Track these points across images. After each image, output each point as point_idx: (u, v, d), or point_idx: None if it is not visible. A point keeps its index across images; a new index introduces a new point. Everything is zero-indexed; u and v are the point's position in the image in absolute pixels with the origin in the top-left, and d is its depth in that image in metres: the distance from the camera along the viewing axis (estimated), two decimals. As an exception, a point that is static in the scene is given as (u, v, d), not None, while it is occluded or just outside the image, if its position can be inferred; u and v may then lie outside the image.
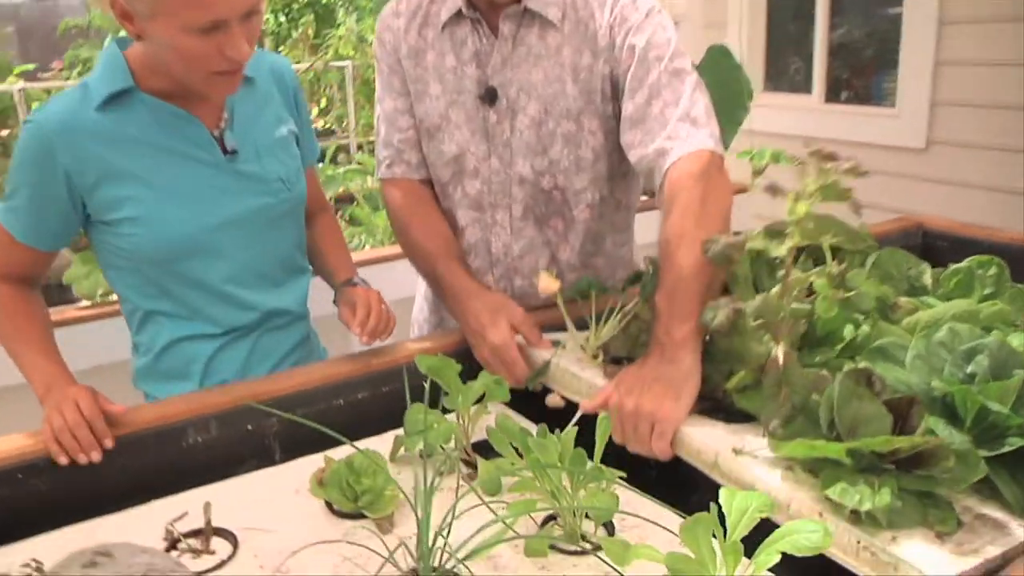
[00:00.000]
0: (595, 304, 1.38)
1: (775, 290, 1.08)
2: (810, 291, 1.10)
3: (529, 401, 1.36)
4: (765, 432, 1.07)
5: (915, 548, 0.89)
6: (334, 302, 1.56)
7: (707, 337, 1.21)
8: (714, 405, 1.19)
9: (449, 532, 0.92)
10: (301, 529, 1.11)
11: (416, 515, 0.93)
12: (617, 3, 1.49)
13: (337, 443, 1.10)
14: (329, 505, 1.15)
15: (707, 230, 1.24)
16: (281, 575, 1.02)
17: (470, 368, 1.32)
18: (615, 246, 1.72)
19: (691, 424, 1.15)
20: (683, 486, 1.13)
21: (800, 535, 0.78)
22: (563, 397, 1.35)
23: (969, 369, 1.01)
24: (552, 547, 1.01)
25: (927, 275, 1.35)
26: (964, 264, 1.32)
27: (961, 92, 3.56)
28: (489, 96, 1.55)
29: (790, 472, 1.01)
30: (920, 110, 3.70)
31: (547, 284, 1.37)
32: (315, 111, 7.33)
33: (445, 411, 1.23)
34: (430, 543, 0.92)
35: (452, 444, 1.23)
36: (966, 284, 1.30)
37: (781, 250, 1.05)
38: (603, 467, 0.99)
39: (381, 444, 1.23)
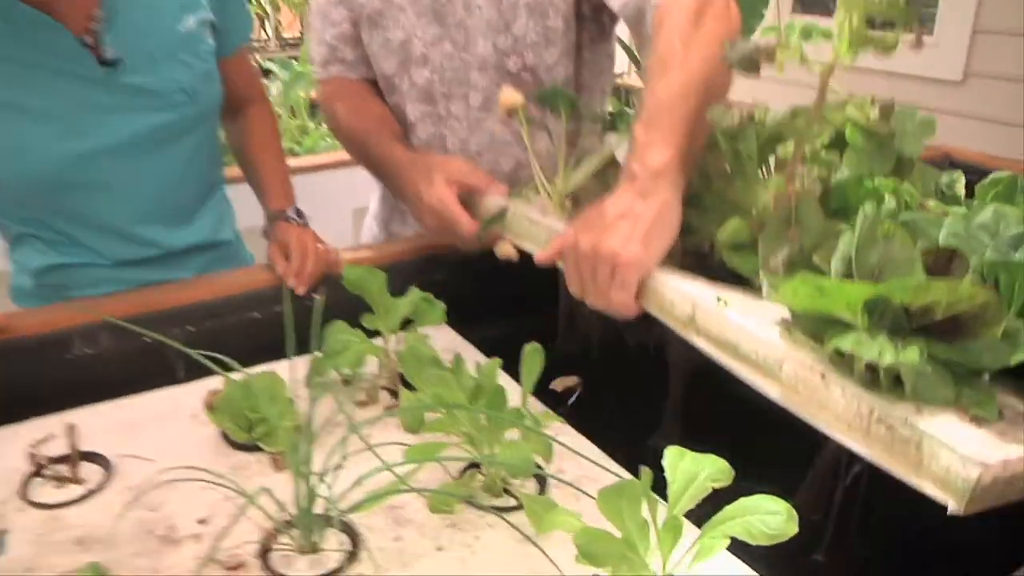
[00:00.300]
0: (566, 135, 1.16)
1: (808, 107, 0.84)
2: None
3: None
4: (763, 277, 0.83)
5: (946, 424, 0.65)
6: (264, 234, 1.32)
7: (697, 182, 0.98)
8: (697, 262, 0.94)
9: (335, 476, 0.76)
10: (186, 459, 0.94)
11: (301, 451, 0.76)
12: None
13: (250, 360, 0.93)
14: (225, 434, 0.98)
15: (700, 53, 1.00)
16: (140, 512, 0.85)
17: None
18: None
19: (663, 274, 0.92)
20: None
21: (755, 517, 0.59)
22: (516, 247, 1.14)
23: (1016, 256, 0.76)
24: (470, 501, 0.84)
25: (960, 183, 1.09)
26: (1006, 174, 1.06)
27: (1004, 20, 3.29)
28: None
29: (787, 333, 0.77)
30: (960, 39, 3.43)
31: (509, 97, 1.15)
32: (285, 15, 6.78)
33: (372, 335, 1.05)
34: (316, 488, 0.75)
35: (377, 371, 1.06)
36: (1007, 196, 1.04)
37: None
38: (526, 410, 0.80)
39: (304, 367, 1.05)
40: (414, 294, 1.02)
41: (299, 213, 1.30)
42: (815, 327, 0.73)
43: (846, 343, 0.67)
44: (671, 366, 1.12)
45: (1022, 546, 0.98)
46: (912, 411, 0.66)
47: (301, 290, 1.18)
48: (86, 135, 1.17)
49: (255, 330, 1.18)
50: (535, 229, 1.11)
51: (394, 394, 1.04)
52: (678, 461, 0.67)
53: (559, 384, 1.09)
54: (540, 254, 1.03)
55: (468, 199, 1.21)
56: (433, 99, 1.39)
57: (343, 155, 2.45)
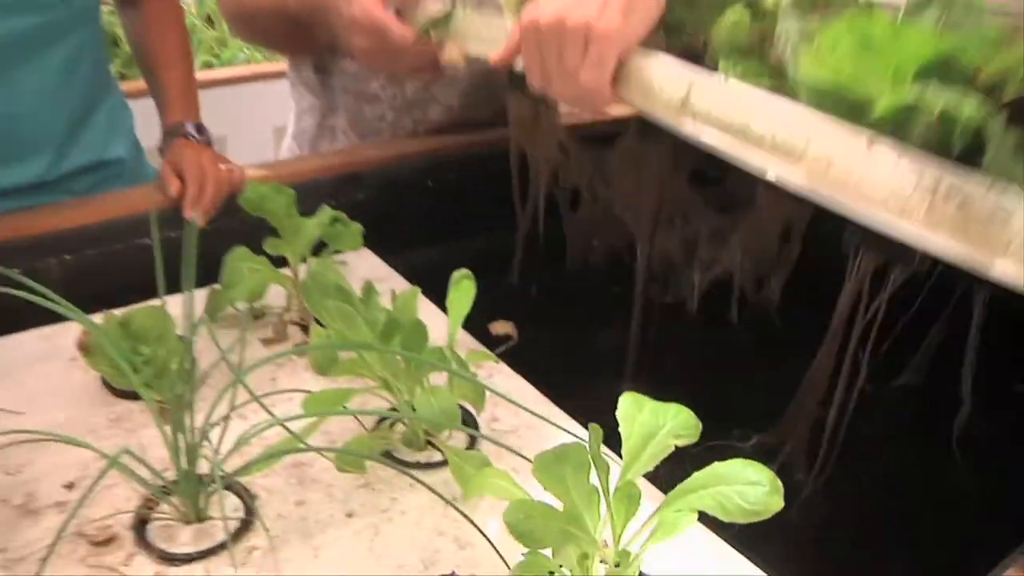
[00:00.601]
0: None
1: None
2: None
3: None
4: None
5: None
6: (160, 150, 1.14)
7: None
8: (686, 58, 0.75)
9: (225, 430, 0.63)
10: (60, 410, 0.80)
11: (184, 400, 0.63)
12: None
13: (143, 294, 0.79)
14: (106, 380, 0.84)
15: None
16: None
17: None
18: None
19: (646, 54, 0.75)
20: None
21: (731, 487, 0.47)
22: (464, 54, 0.96)
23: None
24: (389, 454, 0.71)
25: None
26: None
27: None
28: None
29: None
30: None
31: None
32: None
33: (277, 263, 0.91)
34: (200, 445, 0.62)
35: (284, 303, 0.92)
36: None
37: None
38: (450, 351, 0.67)
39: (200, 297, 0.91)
40: (325, 213, 0.88)
41: (200, 129, 1.13)
42: (845, 107, 0.58)
43: (910, 94, 0.52)
44: (638, 300, 0.99)
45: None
46: (990, 185, 0.51)
47: (201, 221, 1.02)
48: None
49: (145, 259, 1.02)
50: (489, 28, 0.91)
51: (306, 330, 0.90)
52: (635, 412, 0.55)
53: (497, 327, 0.96)
54: (496, 54, 0.85)
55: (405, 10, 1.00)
56: None
57: (263, 67, 2.27)
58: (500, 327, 0.97)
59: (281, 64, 1.88)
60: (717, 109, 0.66)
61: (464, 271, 0.72)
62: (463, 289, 0.71)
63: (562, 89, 0.78)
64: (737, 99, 0.65)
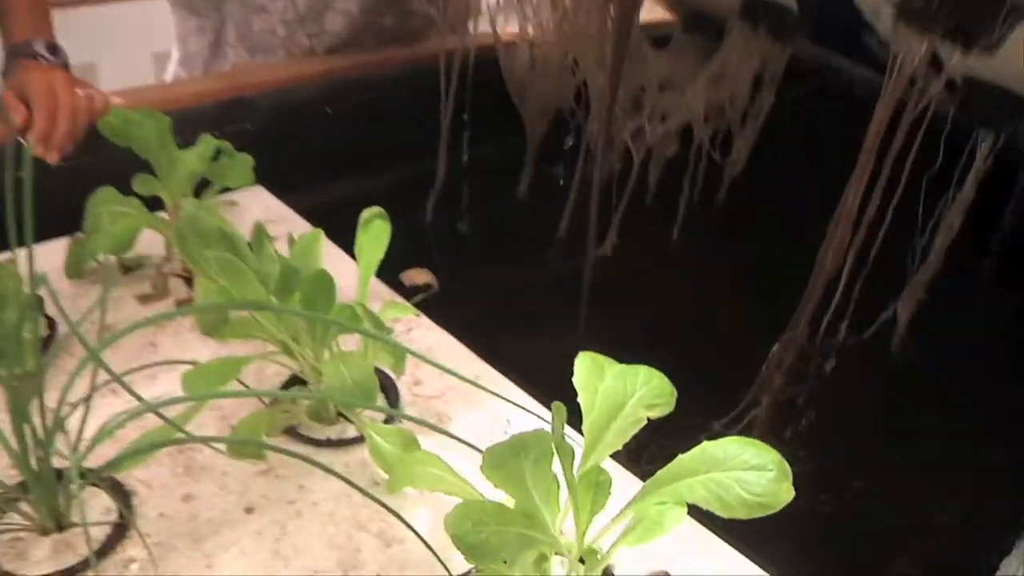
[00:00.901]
0: None
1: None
2: None
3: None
4: None
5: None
6: (2, 74, 0.95)
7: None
8: None
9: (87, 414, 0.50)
10: None
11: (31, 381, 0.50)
12: None
13: None
14: (-53, 351, 0.70)
15: None
16: None
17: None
18: None
19: None
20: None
21: (728, 474, 0.37)
22: None
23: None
24: (293, 431, 0.60)
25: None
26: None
27: None
28: None
29: None
30: None
31: None
32: None
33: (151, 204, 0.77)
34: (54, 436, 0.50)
35: (167, 253, 0.79)
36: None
37: None
38: (362, 306, 0.55)
39: (54, 254, 0.77)
40: (206, 144, 0.74)
41: (52, 48, 0.96)
42: None
43: None
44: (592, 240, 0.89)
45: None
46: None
47: (53, 157, 0.87)
48: None
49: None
50: None
51: (190, 283, 0.77)
52: (595, 379, 0.44)
53: (413, 276, 0.84)
54: None
55: None
56: None
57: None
58: (417, 275, 0.85)
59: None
60: None
61: (375, 209, 0.60)
62: (375, 231, 0.59)
63: None
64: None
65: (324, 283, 0.52)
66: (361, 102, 1.07)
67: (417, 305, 0.71)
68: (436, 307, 0.74)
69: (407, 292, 0.79)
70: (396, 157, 1.06)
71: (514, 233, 1.05)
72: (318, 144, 1.05)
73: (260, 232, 0.56)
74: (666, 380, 0.44)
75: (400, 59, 1.13)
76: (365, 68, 1.10)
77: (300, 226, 0.87)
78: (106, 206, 0.74)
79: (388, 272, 0.71)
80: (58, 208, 0.71)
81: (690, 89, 0.89)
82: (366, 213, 0.59)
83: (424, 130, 1.02)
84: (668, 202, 1.04)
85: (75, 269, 0.77)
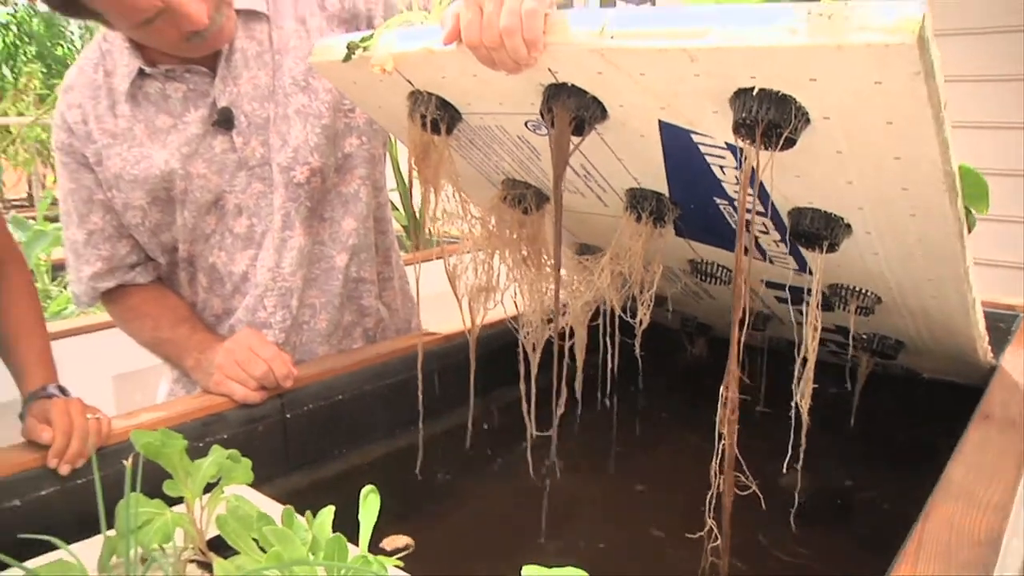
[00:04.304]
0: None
1: None
2: None
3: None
4: None
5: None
6: (20, 416, 1.17)
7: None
8: None
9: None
10: None
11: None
12: None
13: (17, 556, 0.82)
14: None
15: None
16: None
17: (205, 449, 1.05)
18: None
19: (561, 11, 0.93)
20: None
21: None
22: (393, 57, 1.05)
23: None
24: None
25: None
26: None
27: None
28: (225, 121, 1.33)
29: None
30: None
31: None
32: (50, 177, 6.64)
33: (172, 503, 0.96)
34: None
35: (181, 544, 0.97)
36: None
37: None
38: (372, 556, 0.76)
39: (89, 551, 0.94)
40: (218, 453, 0.95)
41: (62, 390, 1.18)
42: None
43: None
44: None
45: None
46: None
47: (64, 469, 1.07)
48: None
49: (17, 521, 1.04)
50: (416, 36, 1.04)
51: (206, 567, 0.95)
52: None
53: (390, 542, 1.04)
54: (445, 35, 0.97)
55: None
56: (252, 239, 1.41)
57: (98, 318, 2.29)
58: (397, 540, 1.05)
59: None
60: (630, 25, 0.85)
61: (370, 487, 0.82)
62: (371, 503, 0.80)
63: (496, 39, 0.92)
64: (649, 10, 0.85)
65: (341, 544, 0.73)
66: (318, 407, 1.31)
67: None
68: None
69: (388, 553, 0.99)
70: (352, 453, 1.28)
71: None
72: (274, 446, 1.27)
73: (289, 512, 0.76)
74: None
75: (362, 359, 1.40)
76: (326, 375, 1.36)
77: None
78: (136, 507, 0.93)
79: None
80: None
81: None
82: (365, 490, 0.81)
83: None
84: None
85: (105, 564, 0.94)
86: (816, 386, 1.03)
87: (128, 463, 0.85)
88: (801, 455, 1.05)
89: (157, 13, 1.18)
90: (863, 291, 1.18)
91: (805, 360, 1.02)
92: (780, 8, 0.76)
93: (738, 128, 0.84)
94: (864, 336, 1.38)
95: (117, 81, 1.35)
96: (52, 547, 0.87)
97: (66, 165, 1.40)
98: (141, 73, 1.34)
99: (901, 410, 1.52)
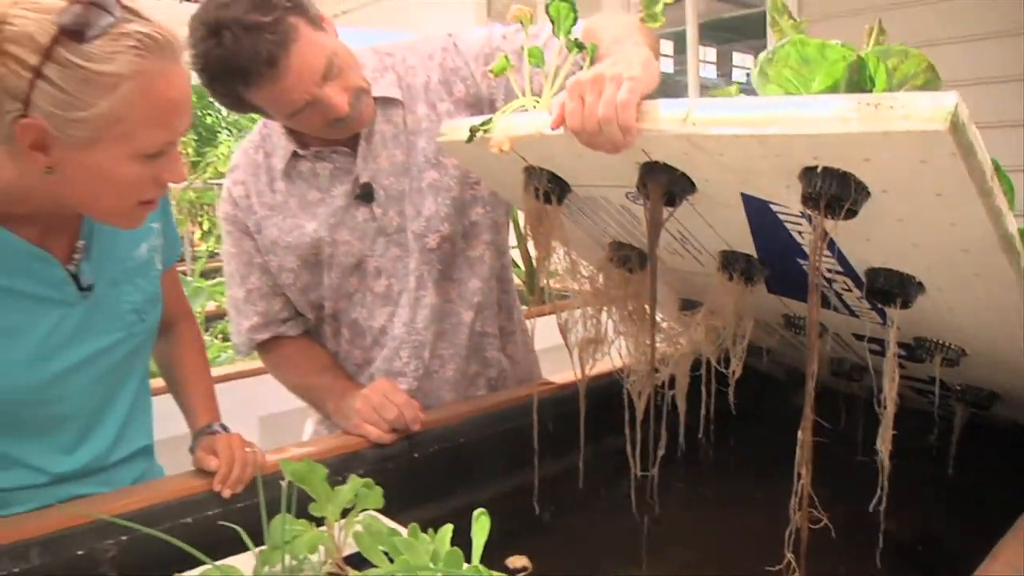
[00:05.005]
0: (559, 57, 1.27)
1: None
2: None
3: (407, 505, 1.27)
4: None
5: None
6: (190, 450, 1.38)
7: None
8: None
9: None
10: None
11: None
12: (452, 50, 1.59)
13: (186, 567, 0.98)
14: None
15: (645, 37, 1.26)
16: None
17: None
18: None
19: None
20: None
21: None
22: (511, 139, 1.19)
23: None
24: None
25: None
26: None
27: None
28: (365, 194, 1.53)
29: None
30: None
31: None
32: (198, 233, 7.20)
33: (315, 523, 1.12)
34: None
35: (322, 557, 1.13)
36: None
37: None
38: (483, 568, 0.90)
39: (243, 563, 1.11)
40: (355, 481, 1.11)
41: (224, 428, 1.40)
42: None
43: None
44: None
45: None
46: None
47: (226, 493, 1.27)
48: (55, 357, 1.22)
49: (186, 536, 1.22)
50: (528, 121, 1.20)
51: (345, 578, 1.10)
52: None
53: (511, 561, 1.18)
54: (552, 121, 1.11)
55: None
56: (390, 298, 1.59)
57: (246, 365, 2.55)
58: (516, 560, 1.19)
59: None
60: (712, 112, 0.98)
61: (481, 509, 0.96)
62: (482, 523, 0.94)
63: (595, 126, 1.05)
64: (727, 100, 1.00)
65: (458, 556, 0.87)
66: (443, 448, 1.47)
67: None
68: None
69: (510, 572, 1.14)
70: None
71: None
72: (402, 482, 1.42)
73: (415, 528, 0.91)
74: None
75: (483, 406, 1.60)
76: (450, 419, 1.52)
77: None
78: (282, 526, 1.09)
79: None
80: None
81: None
82: (477, 512, 0.95)
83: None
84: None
85: (258, 571, 1.11)
86: (915, 434, 1.10)
87: (284, 485, 1.01)
88: (884, 498, 1.13)
89: (306, 104, 1.38)
90: (947, 344, 1.26)
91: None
92: (835, 99, 0.88)
93: (806, 201, 0.96)
94: (957, 387, 1.44)
95: (275, 161, 1.57)
96: (219, 557, 1.04)
97: (230, 233, 1.62)
98: (295, 155, 1.55)
99: (1001, 461, 1.56)
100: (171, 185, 1.19)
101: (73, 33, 0.98)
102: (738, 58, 6.51)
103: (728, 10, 5.80)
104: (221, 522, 1.21)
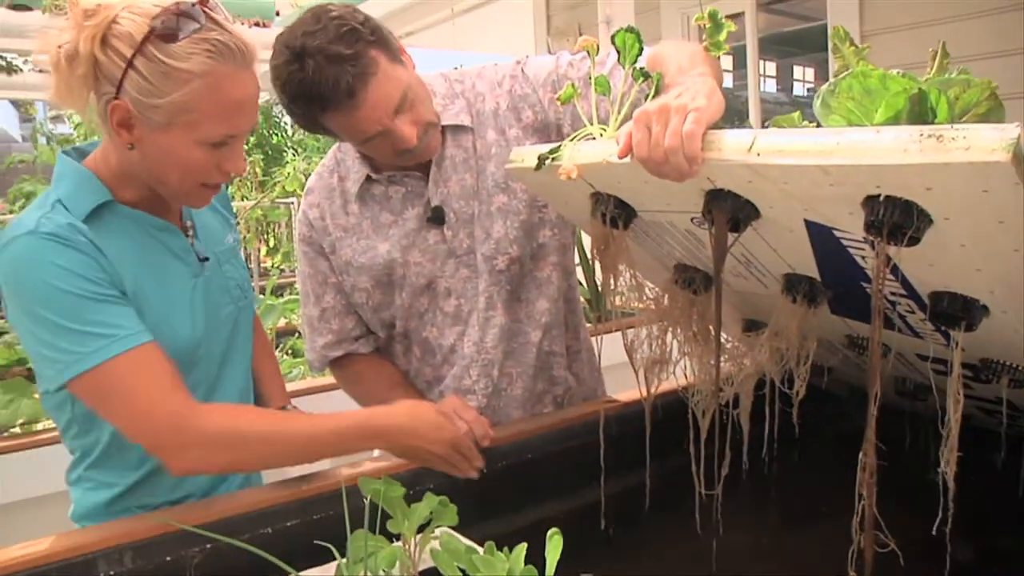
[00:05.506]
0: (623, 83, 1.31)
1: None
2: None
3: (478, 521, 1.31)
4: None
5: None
6: None
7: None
8: None
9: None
10: None
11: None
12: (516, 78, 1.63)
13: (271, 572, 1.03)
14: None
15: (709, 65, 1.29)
16: None
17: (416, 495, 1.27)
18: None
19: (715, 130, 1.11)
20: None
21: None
22: (578, 167, 1.23)
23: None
24: None
25: None
26: None
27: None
28: (437, 217, 1.58)
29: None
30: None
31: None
32: (263, 250, 7.37)
33: (391, 538, 1.17)
34: None
35: (398, 571, 1.17)
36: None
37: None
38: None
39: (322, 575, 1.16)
40: (431, 500, 1.15)
41: (295, 407, 1.55)
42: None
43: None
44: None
45: None
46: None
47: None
48: (199, 319, 1.37)
49: (262, 545, 1.28)
50: (593, 149, 1.24)
51: (420, 593, 1.15)
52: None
53: (564, 171, 1.23)
54: (619, 152, 1.15)
55: None
56: (459, 318, 1.65)
57: (316, 381, 2.65)
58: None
59: (328, 380, 2.26)
60: (776, 142, 1.01)
61: (555, 529, 1.00)
62: (555, 541, 0.98)
63: (662, 156, 1.09)
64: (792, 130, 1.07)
65: (533, 574, 0.91)
66: (511, 464, 1.51)
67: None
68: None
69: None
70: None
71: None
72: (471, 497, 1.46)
73: (491, 546, 0.95)
74: None
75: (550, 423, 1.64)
76: (518, 436, 1.57)
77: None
78: (362, 540, 1.14)
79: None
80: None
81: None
82: (551, 531, 0.99)
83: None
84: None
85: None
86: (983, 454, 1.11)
87: (367, 503, 1.06)
88: (949, 519, 1.14)
89: (377, 134, 1.45)
90: (1013, 365, 1.26)
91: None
92: (896, 130, 0.90)
93: (869, 228, 0.98)
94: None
95: (349, 184, 1.63)
96: (295, 566, 1.09)
97: (306, 254, 1.68)
98: (368, 178, 1.61)
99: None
100: (239, 203, 1.33)
101: (163, 35, 1.18)
102: (798, 72, 6.50)
103: (788, 24, 5.80)
104: (301, 534, 1.29)
